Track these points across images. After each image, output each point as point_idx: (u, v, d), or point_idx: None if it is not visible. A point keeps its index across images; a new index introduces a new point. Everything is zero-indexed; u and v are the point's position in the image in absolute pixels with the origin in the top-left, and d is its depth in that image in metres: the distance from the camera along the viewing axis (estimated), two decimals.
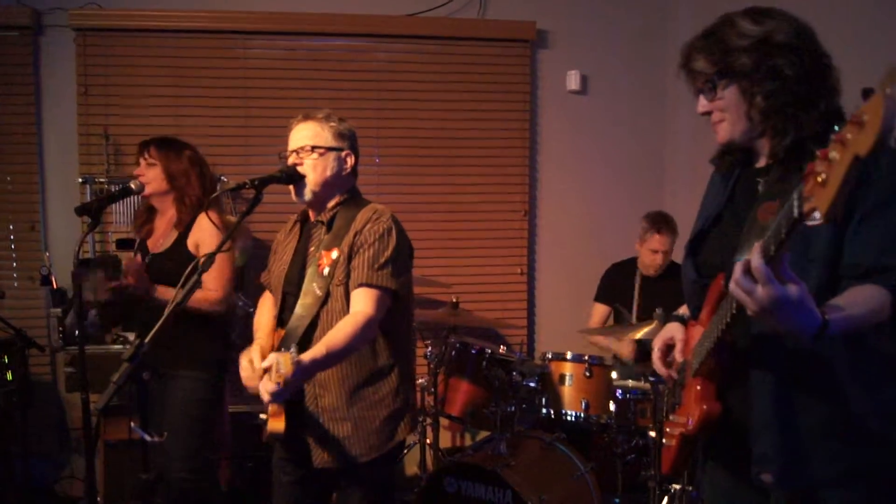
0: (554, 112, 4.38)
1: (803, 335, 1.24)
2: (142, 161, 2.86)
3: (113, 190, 3.57)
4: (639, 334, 3.15)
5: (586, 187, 4.43)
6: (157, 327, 1.81)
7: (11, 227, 3.96)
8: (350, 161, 2.25)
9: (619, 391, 3.26)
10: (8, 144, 3.93)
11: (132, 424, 2.80)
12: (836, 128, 1.03)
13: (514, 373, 3.25)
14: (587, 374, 3.30)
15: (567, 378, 3.34)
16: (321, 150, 2.18)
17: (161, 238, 2.89)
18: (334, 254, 2.15)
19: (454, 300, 3.57)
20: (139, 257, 2.89)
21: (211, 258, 1.97)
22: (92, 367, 2.51)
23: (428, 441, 3.61)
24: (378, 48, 4.19)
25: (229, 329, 3.01)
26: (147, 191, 2.85)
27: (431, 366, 3.40)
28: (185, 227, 2.83)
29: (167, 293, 2.66)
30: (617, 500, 3.24)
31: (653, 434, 3.01)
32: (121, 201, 3.52)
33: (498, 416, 3.19)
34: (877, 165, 1.35)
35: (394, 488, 2.31)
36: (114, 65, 3.95)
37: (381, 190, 4.06)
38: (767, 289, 1.17)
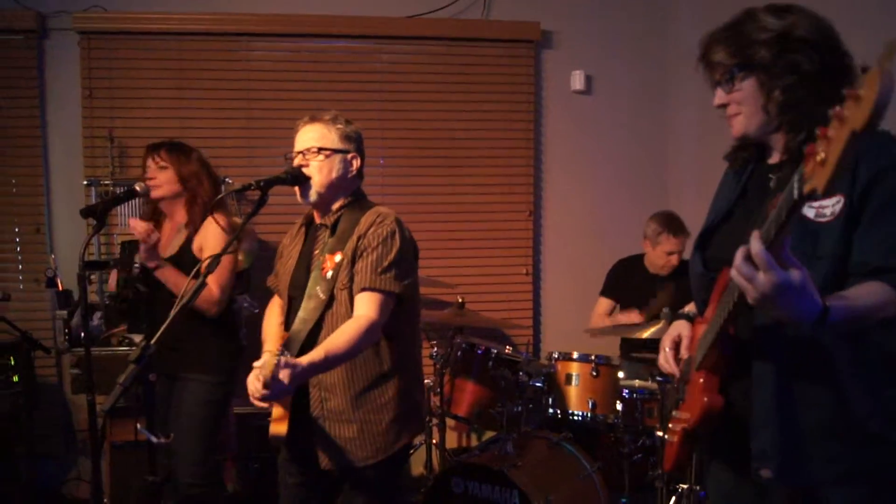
0: (558, 112, 4.38)
1: (803, 322, 1.23)
2: (151, 164, 2.84)
3: (118, 192, 3.56)
4: (645, 334, 3.14)
5: (591, 187, 4.43)
6: (162, 328, 1.80)
7: (17, 229, 3.97)
8: (356, 164, 2.24)
9: (626, 391, 3.25)
10: (13, 147, 3.94)
11: (139, 426, 2.81)
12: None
13: (521, 373, 3.25)
14: (594, 373, 3.29)
15: (573, 378, 3.33)
16: (327, 152, 2.18)
17: (169, 241, 2.88)
18: (338, 257, 2.14)
19: (460, 301, 3.57)
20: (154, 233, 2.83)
21: (217, 259, 1.96)
22: (98, 368, 2.52)
23: (434, 441, 3.60)
24: (381, 49, 4.19)
25: (240, 333, 3.00)
26: (158, 194, 2.83)
27: (437, 366, 3.40)
28: (195, 228, 2.81)
29: (174, 276, 2.67)
30: (624, 500, 3.23)
31: (660, 434, 3.01)
32: (126, 203, 3.53)
33: (504, 416, 3.19)
34: (893, 163, 1.35)
35: (402, 491, 2.30)
36: (118, 67, 3.96)
37: (385, 191, 4.06)
38: (769, 275, 1.16)
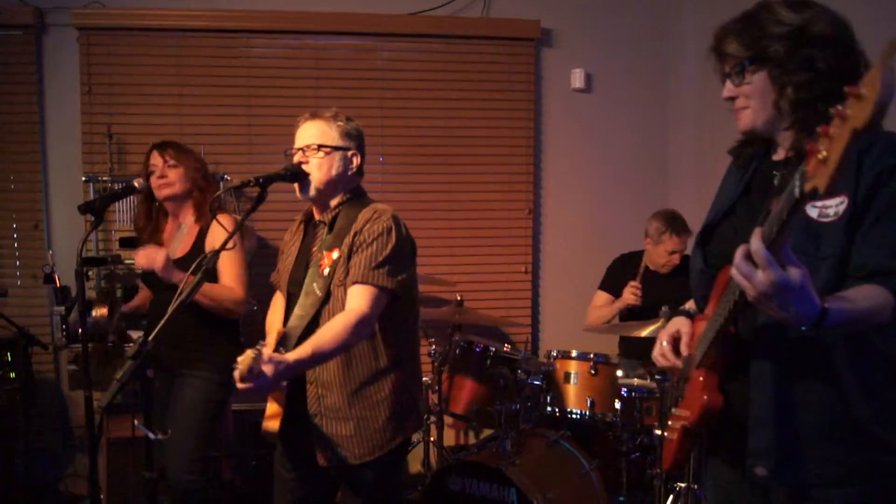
0: (558, 110, 4.37)
1: (801, 323, 1.23)
2: (160, 162, 2.81)
3: (116, 188, 3.57)
4: (644, 332, 3.13)
5: (591, 185, 4.42)
6: (160, 325, 1.79)
7: (15, 225, 3.97)
8: (356, 161, 2.24)
9: (625, 389, 3.25)
10: (11, 143, 3.93)
11: (136, 422, 2.80)
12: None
13: (519, 371, 3.25)
14: (592, 371, 3.29)
15: (572, 376, 3.33)
16: (328, 149, 2.17)
17: (172, 240, 2.86)
18: (335, 254, 2.14)
19: (459, 298, 3.57)
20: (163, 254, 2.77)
21: (216, 255, 1.96)
22: (95, 364, 2.51)
23: (432, 439, 3.60)
24: (382, 47, 4.18)
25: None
26: (168, 192, 2.81)
27: (436, 364, 3.40)
28: (206, 227, 2.80)
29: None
30: (622, 499, 3.23)
31: (658, 432, 3.00)
32: (124, 200, 3.52)
33: (502, 414, 3.19)
34: None
35: (400, 487, 2.30)
36: (117, 63, 3.95)
37: (385, 188, 4.06)
38: (767, 273, 1.16)
